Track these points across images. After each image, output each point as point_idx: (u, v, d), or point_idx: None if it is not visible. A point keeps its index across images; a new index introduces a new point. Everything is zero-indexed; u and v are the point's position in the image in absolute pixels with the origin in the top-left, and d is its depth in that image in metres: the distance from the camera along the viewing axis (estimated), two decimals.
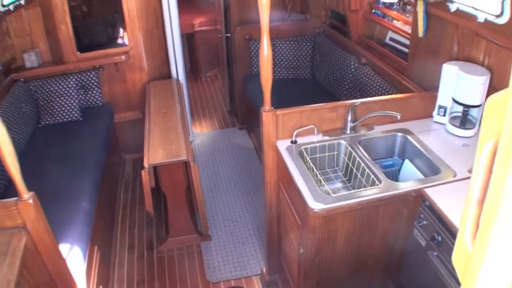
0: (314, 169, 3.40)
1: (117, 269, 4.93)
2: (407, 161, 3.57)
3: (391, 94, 4.37)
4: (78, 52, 6.11)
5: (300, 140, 3.61)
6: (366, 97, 4.72)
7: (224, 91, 7.93)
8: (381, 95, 4.50)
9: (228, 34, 6.87)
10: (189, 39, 9.62)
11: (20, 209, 2.90)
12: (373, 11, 5.33)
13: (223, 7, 6.74)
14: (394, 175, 3.69)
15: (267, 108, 3.51)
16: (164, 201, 5.31)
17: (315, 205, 2.91)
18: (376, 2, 5.25)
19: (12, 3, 5.15)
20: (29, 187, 4.18)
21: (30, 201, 2.89)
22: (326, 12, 6.45)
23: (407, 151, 3.64)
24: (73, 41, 6.02)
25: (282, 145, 3.58)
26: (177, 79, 6.52)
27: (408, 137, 3.59)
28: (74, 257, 3.64)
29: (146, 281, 4.76)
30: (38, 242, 3.04)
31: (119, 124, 6.54)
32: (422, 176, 3.36)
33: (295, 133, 3.57)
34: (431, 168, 3.28)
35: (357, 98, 4.77)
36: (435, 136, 3.62)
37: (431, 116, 3.82)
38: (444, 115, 3.71)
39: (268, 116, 3.51)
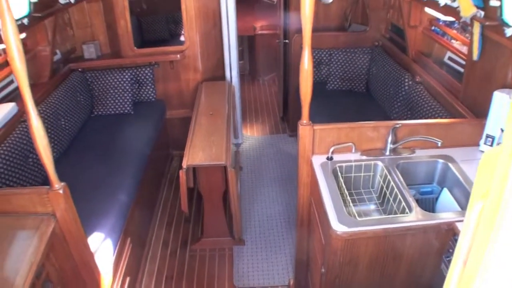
0: (345, 189, 3.30)
1: (148, 262, 4.99)
2: (445, 190, 3.42)
3: (442, 117, 4.21)
4: (135, 48, 6.22)
5: (336, 157, 3.53)
6: (416, 116, 4.61)
7: (279, 97, 7.88)
8: (431, 117, 4.35)
9: (286, 41, 6.82)
10: (250, 42, 9.66)
11: (51, 197, 3.02)
12: (433, 28, 5.16)
13: (283, 13, 6.70)
14: (431, 203, 3.55)
15: (304, 122, 3.44)
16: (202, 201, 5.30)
17: (338, 227, 2.83)
18: (436, 19, 5.08)
19: None
20: (72, 175, 4.45)
21: (61, 191, 3.00)
22: (386, 25, 6.31)
23: (447, 179, 3.49)
24: (131, 36, 6.14)
25: (317, 160, 3.51)
26: (230, 82, 6.52)
27: (450, 165, 3.44)
28: (103, 247, 3.74)
29: (174, 277, 4.80)
30: (66, 230, 3.15)
31: (170, 120, 6.65)
32: (458, 208, 3.20)
33: (331, 149, 3.49)
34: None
35: (408, 117, 4.68)
36: None
37: (478, 145, 3.64)
38: (491, 145, 3.52)
39: (305, 130, 3.44)
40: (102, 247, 3.73)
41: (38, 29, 5.26)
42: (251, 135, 7.47)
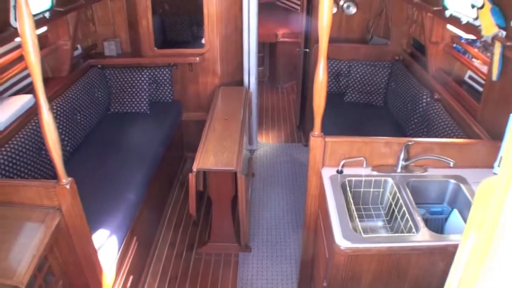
0: (353, 204, 3.26)
1: (154, 262, 4.99)
2: (455, 211, 3.37)
3: (457, 136, 4.15)
4: (156, 48, 6.24)
5: (347, 170, 3.50)
6: (432, 134, 4.55)
7: (297, 105, 7.84)
8: (447, 135, 4.29)
9: (307, 50, 6.80)
10: (271, 49, 9.66)
11: (57, 192, 3.05)
12: (454, 45, 5.10)
13: (305, 21, 6.68)
14: (440, 223, 3.49)
15: (316, 133, 3.42)
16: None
17: (342, 242, 2.80)
18: (458, 37, 5.02)
19: None
20: (84, 170, 4.57)
21: (68, 186, 3.03)
22: (408, 39, 6.26)
23: (458, 201, 3.44)
24: (152, 36, 6.17)
25: (327, 173, 3.48)
26: (248, 88, 6.52)
27: (462, 186, 3.39)
28: (108, 244, 3.76)
29: (178, 278, 4.79)
30: (71, 225, 3.18)
31: (186, 122, 6.66)
32: None
33: (342, 162, 3.46)
34: None
35: (424, 134, 4.63)
36: None
37: (492, 167, 3.57)
38: None
39: (316, 141, 3.42)
40: (107, 244, 3.75)
41: (60, 23, 5.32)
42: (266, 142, 7.45)
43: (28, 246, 2.80)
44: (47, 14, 4.31)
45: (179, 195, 6.07)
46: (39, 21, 4.21)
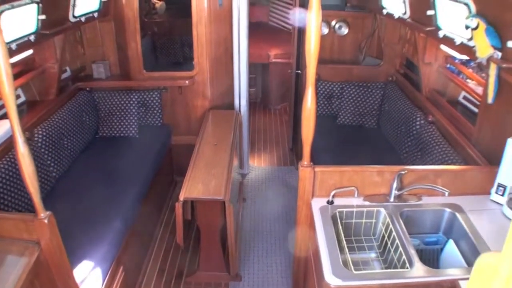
0: (343, 236, 3.12)
1: None
2: (451, 242, 3.23)
3: (452, 161, 4.03)
4: (145, 71, 6.15)
5: (338, 201, 3.37)
6: (426, 158, 4.43)
7: (289, 127, 7.72)
8: (442, 160, 4.17)
9: (299, 71, 6.69)
10: (263, 69, 9.56)
11: (36, 226, 2.96)
12: (448, 66, 5.00)
13: (297, 43, 6.58)
14: (435, 254, 3.36)
15: (305, 163, 3.30)
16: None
17: (332, 279, 2.66)
18: (452, 57, 4.92)
19: (84, 15, 5.20)
20: (70, 197, 4.48)
21: (46, 220, 2.94)
22: (401, 60, 6.16)
23: (453, 230, 3.30)
24: (141, 59, 6.07)
25: (317, 204, 3.36)
26: (239, 111, 6.41)
27: (457, 214, 3.26)
28: (92, 276, 3.64)
29: None
30: (50, 259, 3.09)
31: (175, 146, 6.54)
32: (463, 263, 3.01)
33: (332, 193, 3.33)
34: (475, 256, 2.91)
35: (418, 158, 4.51)
36: (488, 218, 3.26)
37: (489, 193, 3.45)
38: (502, 195, 3.35)
39: (305, 172, 3.30)
40: (91, 277, 3.63)
41: (46, 46, 5.21)
42: (258, 166, 7.30)
43: (6, 280, 2.73)
44: (32, 37, 4.20)
45: (169, 220, 5.92)
46: (23, 44, 4.11)
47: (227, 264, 4.84)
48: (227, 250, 4.67)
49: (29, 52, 4.79)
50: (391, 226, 3.14)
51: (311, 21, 2.83)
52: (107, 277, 3.88)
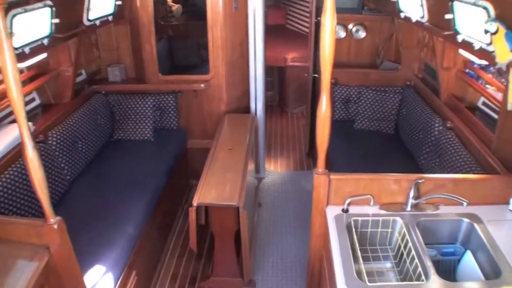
0: (358, 246, 3.04)
1: None
2: (468, 253, 3.14)
3: (471, 168, 3.92)
4: (160, 74, 6.13)
5: (353, 209, 3.30)
6: (444, 165, 4.33)
7: (306, 131, 7.64)
8: (460, 167, 4.06)
9: (316, 75, 6.62)
10: (280, 73, 9.50)
11: (45, 231, 2.95)
12: (467, 70, 4.89)
13: (313, 46, 6.52)
14: (452, 265, 3.27)
15: (320, 170, 3.23)
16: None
17: None
18: (471, 62, 4.81)
19: (98, 18, 5.18)
20: (83, 201, 4.50)
21: (55, 226, 2.93)
22: (419, 64, 6.06)
23: (471, 241, 3.21)
24: (156, 62, 6.05)
25: (332, 212, 3.29)
26: (255, 115, 6.36)
27: (475, 225, 3.17)
28: (103, 281, 3.62)
29: None
30: (60, 265, 3.07)
31: (191, 150, 6.51)
32: (481, 276, 2.92)
33: (348, 201, 3.26)
34: (493, 268, 2.86)
35: (436, 165, 4.42)
36: (507, 229, 3.17)
37: (508, 203, 3.36)
38: None
39: (320, 179, 3.23)
40: (102, 282, 3.61)
41: (61, 49, 5.22)
42: (274, 170, 7.24)
43: (15, 285, 2.73)
44: (45, 41, 4.19)
45: (184, 224, 5.87)
46: (37, 48, 4.09)
47: (240, 270, 4.78)
48: (241, 255, 4.62)
49: (43, 55, 4.78)
50: (407, 236, 3.06)
51: (326, 25, 2.76)
52: (118, 282, 3.85)
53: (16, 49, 3.69)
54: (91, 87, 6.03)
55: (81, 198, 4.69)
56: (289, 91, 9.39)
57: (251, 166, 5.39)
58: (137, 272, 4.27)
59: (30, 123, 4.41)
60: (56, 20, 4.17)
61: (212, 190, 4.33)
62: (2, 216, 3.54)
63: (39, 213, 4.01)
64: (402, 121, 5.81)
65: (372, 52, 6.67)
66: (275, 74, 9.65)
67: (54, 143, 4.74)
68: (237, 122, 5.94)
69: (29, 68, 5.08)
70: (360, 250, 3.07)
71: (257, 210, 6.03)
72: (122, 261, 3.98)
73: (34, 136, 4.45)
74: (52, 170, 4.53)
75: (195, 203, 4.19)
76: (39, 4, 3.87)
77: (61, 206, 4.47)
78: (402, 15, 4.85)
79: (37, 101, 5.33)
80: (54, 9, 4.11)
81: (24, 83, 4.92)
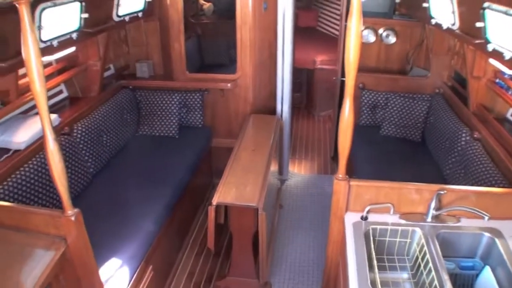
0: (375, 254, 3.00)
1: None
2: (487, 269, 3.07)
3: (497, 182, 3.84)
4: (188, 72, 6.14)
5: (372, 217, 3.26)
6: (469, 177, 4.25)
7: (332, 135, 7.58)
8: (485, 180, 3.98)
9: (344, 79, 6.55)
10: (308, 75, 9.46)
11: (63, 223, 2.98)
12: (497, 80, 4.79)
13: (343, 49, 6.46)
14: (470, 280, 3.20)
15: (340, 176, 3.19)
16: None
17: None
18: (501, 72, 4.71)
19: (128, 14, 5.20)
20: (104, 194, 4.55)
21: (73, 218, 2.95)
22: (449, 72, 5.96)
23: (491, 256, 3.15)
24: (184, 60, 6.07)
25: (351, 218, 3.25)
26: (280, 117, 6.33)
27: (496, 240, 3.10)
28: (118, 274, 3.65)
29: None
30: (75, 256, 3.10)
31: (215, 148, 6.51)
32: None
33: (367, 209, 3.21)
34: None
35: (461, 176, 4.34)
36: None
37: None
38: None
39: (339, 185, 3.19)
40: (117, 274, 3.64)
41: (90, 44, 5.28)
42: (298, 173, 7.20)
43: (29, 274, 2.76)
44: (74, 35, 4.21)
45: (204, 222, 5.87)
46: (65, 42, 4.12)
47: (257, 271, 4.75)
48: (259, 256, 4.60)
49: (72, 49, 4.83)
50: (425, 247, 3.00)
51: (351, 29, 2.73)
52: (134, 276, 3.88)
53: (44, 42, 3.72)
54: (119, 81, 6.10)
55: (103, 191, 4.73)
56: (317, 94, 9.33)
57: (273, 168, 5.37)
58: (153, 267, 4.28)
59: (56, 115, 4.51)
60: (86, 15, 4.20)
61: (233, 190, 4.32)
62: (23, 205, 3.59)
63: (60, 204, 4.06)
64: (429, 129, 5.72)
65: (401, 58, 6.58)
66: (304, 76, 9.60)
67: (79, 135, 4.79)
68: (262, 123, 5.91)
69: (58, 61, 5.15)
70: (377, 259, 3.03)
71: (278, 212, 6.00)
72: (139, 255, 4.00)
73: (60, 128, 4.55)
74: (75, 162, 4.57)
75: (214, 202, 4.19)
76: None
77: (82, 198, 4.53)
78: (433, 21, 4.77)
79: (65, 94, 5.40)
80: (83, 4, 4.13)
81: (53, 75, 5.01)
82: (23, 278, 2.74)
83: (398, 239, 3.23)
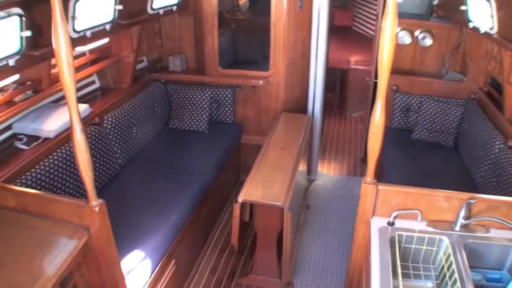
0: (399, 261, 2.93)
1: (191, 287, 4.82)
2: None
3: None
4: (220, 67, 6.13)
5: (399, 223, 3.20)
6: (502, 187, 4.15)
7: (363, 137, 7.49)
8: None
9: (377, 80, 6.46)
10: (342, 75, 9.38)
11: (86, 212, 3.00)
12: None
13: (377, 50, 6.36)
14: None
15: (368, 179, 3.13)
16: None
17: None
18: None
19: (162, 8, 5.21)
20: (131, 186, 4.61)
21: (96, 208, 2.96)
22: (485, 77, 5.81)
23: None
24: (217, 55, 6.05)
25: (377, 223, 3.19)
26: (311, 116, 6.28)
27: None
28: (140, 266, 3.67)
29: None
30: (98, 247, 3.11)
31: (245, 145, 6.51)
32: None
33: (394, 214, 3.15)
34: None
35: (493, 185, 4.24)
36: None
37: None
38: None
39: (367, 189, 3.14)
40: (139, 267, 3.66)
41: (123, 36, 5.30)
42: (327, 173, 7.13)
43: (52, 261, 2.80)
44: (107, 27, 4.23)
45: (229, 218, 5.85)
46: (98, 33, 4.14)
47: (280, 270, 4.73)
48: (282, 256, 4.57)
49: (105, 40, 4.85)
50: (452, 257, 2.92)
51: (386, 30, 2.67)
52: (156, 269, 3.90)
53: (77, 32, 3.75)
54: (151, 74, 6.12)
55: (130, 182, 4.77)
56: (350, 94, 9.24)
57: (302, 167, 5.32)
58: (176, 261, 4.29)
59: (87, 105, 4.56)
60: (120, 7, 4.20)
61: (259, 188, 4.30)
62: (48, 193, 3.62)
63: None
64: (462, 135, 5.60)
65: (437, 61, 6.44)
66: (337, 76, 9.53)
67: (109, 126, 4.82)
68: (293, 121, 5.86)
69: (91, 51, 5.18)
70: (402, 266, 2.97)
71: (305, 212, 5.96)
72: (163, 248, 4.02)
73: (90, 118, 4.59)
74: (104, 153, 4.61)
75: (240, 200, 4.18)
76: None
77: (109, 188, 4.58)
78: (470, 25, 4.66)
79: (97, 84, 5.45)
80: None
81: (86, 65, 5.06)
82: (45, 264, 2.76)
83: (424, 247, 3.16)
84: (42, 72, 4.17)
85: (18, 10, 2.99)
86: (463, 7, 4.59)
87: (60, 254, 2.85)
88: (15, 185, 3.50)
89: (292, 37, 5.79)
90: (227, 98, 6.14)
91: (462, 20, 4.88)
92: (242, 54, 8.44)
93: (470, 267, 2.84)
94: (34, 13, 3.18)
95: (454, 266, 2.85)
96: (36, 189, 3.65)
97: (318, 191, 6.61)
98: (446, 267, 2.98)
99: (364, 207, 3.22)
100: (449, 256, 2.97)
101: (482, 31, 4.34)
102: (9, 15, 2.94)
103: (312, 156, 6.64)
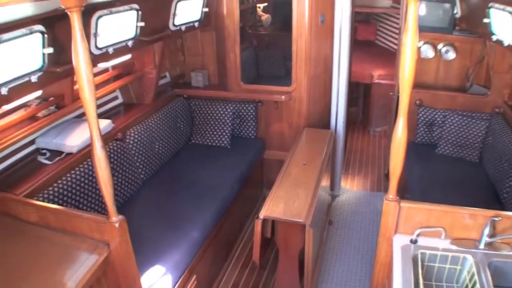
0: (422, 280, 2.87)
1: None
2: None
3: None
4: (242, 82, 6.15)
5: (422, 240, 3.14)
6: None
7: (387, 152, 7.40)
8: None
9: None
10: (365, 90, 9.34)
11: (107, 228, 3.03)
12: None
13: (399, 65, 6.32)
14: None
15: (390, 197, 3.09)
16: None
17: None
18: None
19: (184, 24, 5.24)
20: (152, 201, 4.62)
21: (117, 224, 2.99)
22: (510, 91, 5.71)
23: None
24: (239, 70, 6.09)
25: (399, 241, 3.14)
26: (334, 131, 6.24)
27: None
28: (160, 282, 3.65)
29: None
30: (118, 262, 3.13)
31: (267, 160, 6.50)
32: None
33: (417, 232, 3.10)
34: None
35: None
36: None
37: None
38: None
39: (389, 206, 3.10)
40: (159, 282, 3.65)
41: (146, 52, 5.36)
42: (350, 189, 7.06)
43: (72, 275, 2.82)
44: (130, 43, 4.28)
45: (252, 234, 5.76)
46: (121, 49, 4.21)
47: (302, 287, 4.68)
48: (304, 272, 4.52)
49: (127, 56, 4.89)
50: (476, 276, 2.86)
51: (406, 45, 2.64)
52: (177, 285, 3.89)
53: (99, 49, 3.78)
54: (173, 90, 6.16)
55: (152, 197, 4.79)
56: (373, 109, 9.16)
57: (325, 183, 5.29)
58: (197, 277, 4.27)
59: (109, 121, 4.60)
60: (142, 24, 4.25)
61: (281, 204, 4.27)
62: (69, 209, 3.65)
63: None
64: (487, 150, 5.50)
65: (461, 74, 6.36)
66: (361, 91, 9.49)
67: (132, 141, 4.85)
68: (315, 137, 5.84)
69: (114, 67, 5.23)
70: (425, 285, 2.91)
71: (328, 228, 5.90)
72: (183, 264, 4.01)
73: (113, 133, 4.63)
74: (127, 168, 4.64)
75: (261, 216, 4.16)
76: (125, 7, 3.95)
77: (131, 203, 4.61)
78: (494, 38, 4.60)
79: (120, 100, 5.49)
80: (140, 12, 4.18)
81: (109, 81, 5.11)
82: (65, 279, 2.79)
83: (448, 266, 3.09)
84: (65, 88, 4.24)
85: (40, 27, 3.04)
86: (486, 20, 4.53)
87: (80, 269, 2.87)
88: (37, 199, 3.54)
89: (314, 51, 5.79)
90: (249, 114, 6.15)
91: (485, 33, 4.82)
92: (265, 69, 8.46)
93: (495, 286, 2.77)
94: (56, 30, 3.23)
95: (478, 285, 2.79)
96: (58, 203, 3.70)
97: (341, 206, 6.55)
98: (470, 286, 2.92)
99: (387, 224, 3.18)
100: (473, 275, 2.91)
101: (505, 43, 4.28)
102: (31, 32, 2.99)
103: (335, 171, 6.59)
